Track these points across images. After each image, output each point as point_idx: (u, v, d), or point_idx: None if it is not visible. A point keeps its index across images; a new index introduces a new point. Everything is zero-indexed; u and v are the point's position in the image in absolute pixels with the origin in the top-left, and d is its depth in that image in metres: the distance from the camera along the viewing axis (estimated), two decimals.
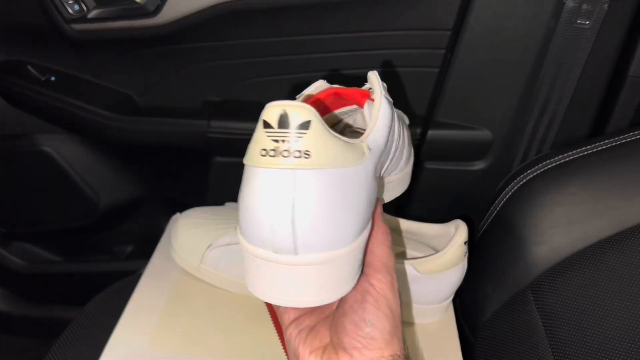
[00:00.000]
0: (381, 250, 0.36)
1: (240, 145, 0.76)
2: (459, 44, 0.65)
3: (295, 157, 0.27)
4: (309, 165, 0.27)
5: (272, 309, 0.55)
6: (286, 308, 0.38)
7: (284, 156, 0.27)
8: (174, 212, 0.68)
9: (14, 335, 1.03)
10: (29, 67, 0.77)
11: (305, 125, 0.27)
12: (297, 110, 0.27)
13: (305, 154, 0.27)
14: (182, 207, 0.67)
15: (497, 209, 0.63)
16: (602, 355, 0.48)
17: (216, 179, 0.78)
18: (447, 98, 0.69)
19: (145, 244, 0.99)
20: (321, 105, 0.39)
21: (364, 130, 0.37)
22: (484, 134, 0.70)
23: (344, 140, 0.29)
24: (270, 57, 0.72)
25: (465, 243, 0.56)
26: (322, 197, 0.28)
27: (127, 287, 0.71)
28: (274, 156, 0.27)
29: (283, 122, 0.27)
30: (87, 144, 0.84)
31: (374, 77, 0.38)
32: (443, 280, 0.57)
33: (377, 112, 0.35)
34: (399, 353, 0.35)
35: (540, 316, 0.55)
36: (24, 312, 1.01)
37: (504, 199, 0.63)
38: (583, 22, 0.61)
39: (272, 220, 0.28)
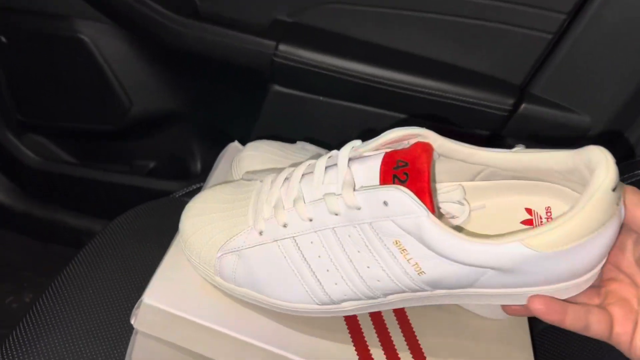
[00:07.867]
0: None
1: (307, 77, 0.67)
2: (584, 11, 0.57)
3: None
4: None
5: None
6: None
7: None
8: (209, 137, 0.58)
9: (12, 230, 0.97)
10: None
11: None
12: None
13: None
14: (221, 134, 0.58)
15: None
16: None
17: (270, 111, 0.69)
18: (552, 71, 0.60)
19: (168, 163, 0.92)
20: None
21: None
22: (581, 118, 0.62)
23: None
24: None
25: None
26: None
27: (155, 211, 0.64)
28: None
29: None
30: (131, 40, 0.74)
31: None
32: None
33: None
34: None
35: None
36: (26, 208, 0.95)
37: None
38: None
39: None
